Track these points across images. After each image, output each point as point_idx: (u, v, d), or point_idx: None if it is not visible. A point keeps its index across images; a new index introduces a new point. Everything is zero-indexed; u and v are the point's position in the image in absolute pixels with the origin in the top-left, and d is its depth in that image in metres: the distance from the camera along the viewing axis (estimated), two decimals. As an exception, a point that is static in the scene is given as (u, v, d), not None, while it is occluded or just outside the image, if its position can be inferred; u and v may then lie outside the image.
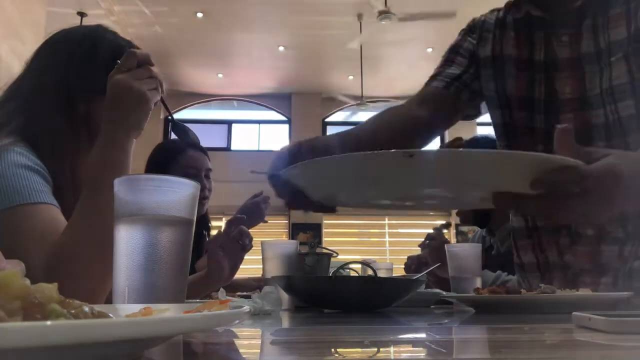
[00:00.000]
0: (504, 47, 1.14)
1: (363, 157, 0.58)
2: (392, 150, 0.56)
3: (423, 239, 1.85)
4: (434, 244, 1.76)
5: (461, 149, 0.60)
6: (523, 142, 1.11)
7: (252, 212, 1.65)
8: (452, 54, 1.21)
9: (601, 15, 1.01)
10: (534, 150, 1.06)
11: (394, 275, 1.72)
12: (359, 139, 1.05)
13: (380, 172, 0.59)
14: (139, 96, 0.88)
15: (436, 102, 1.17)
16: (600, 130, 1.02)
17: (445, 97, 1.17)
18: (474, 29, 1.21)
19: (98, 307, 0.32)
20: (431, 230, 1.79)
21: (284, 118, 8.44)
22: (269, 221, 1.90)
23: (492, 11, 1.21)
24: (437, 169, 0.58)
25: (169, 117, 1.07)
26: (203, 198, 1.78)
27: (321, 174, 0.64)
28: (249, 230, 1.38)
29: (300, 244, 1.32)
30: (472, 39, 1.19)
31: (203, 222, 1.84)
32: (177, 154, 1.82)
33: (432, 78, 1.20)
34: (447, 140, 7.83)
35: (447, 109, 1.20)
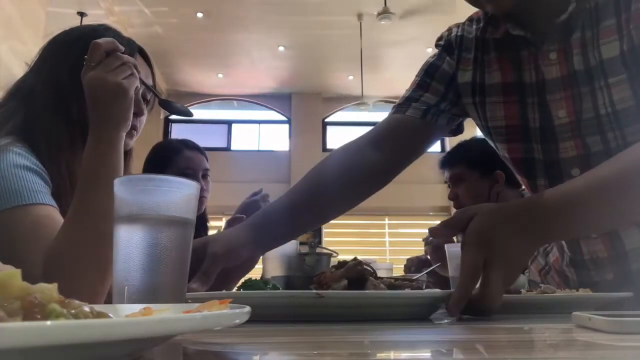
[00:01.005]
0: (487, 74, 1.02)
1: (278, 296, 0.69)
2: (304, 291, 0.67)
3: (427, 235, 1.84)
4: (436, 241, 1.75)
5: (365, 292, 0.70)
6: (524, 175, 1.04)
7: (250, 211, 1.65)
8: (427, 78, 1.09)
9: (590, 28, 0.90)
10: (535, 184, 1.02)
11: (394, 275, 1.72)
12: (294, 210, 1.01)
13: (297, 310, 0.66)
14: (116, 88, 0.85)
15: (408, 134, 1.08)
16: (602, 158, 0.90)
17: (420, 127, 1.06)
18: (451, 47, 1.08)
19: (98, 307, 0.32)
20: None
21: (284, 118, 8.44)
22: None
23: (471, 21, 1.08)
24: (345, 307, 0.66)
25: (157, 96, 1.06)
26: (200, 198, 1.77)
27: None
28: None
29: (300, 243, 1.32)
30: (451, 59, 1.07)
31: (201, 222, 1.84)
32: (174, 154, 1.82)
33: (405, 105, 1.08)
34: (447, 142, 7.84)
35: (421, 138, 1.10)
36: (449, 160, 1.98)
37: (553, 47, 0.94)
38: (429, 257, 1.83)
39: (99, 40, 0.87)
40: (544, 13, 0.94)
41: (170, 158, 1.81)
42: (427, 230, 1.92)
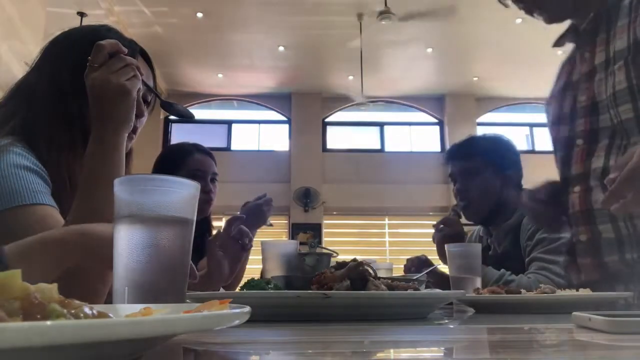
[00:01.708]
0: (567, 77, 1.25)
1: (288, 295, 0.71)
2: (311, 292, 0.71)
3: (439, 221, 1.73)
4: (447, 231, 1.67)
5: (370, 292, 0.72)
6: (558, 149, 1.24)
7: (254, 214, 1.65)
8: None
9: (613, 28, 1.10)
10: (558, 156, 1.23)
11: (393, 275, 1.71)
12: None
13: (301, 310, 0.68)
14: (119, 89, 0.86)
15: None
16: (606, 132, 1.10)
17: None
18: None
19: (98, 307, 0.32)
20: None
21: (284, 118, 8.44)
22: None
23: None
24: (349, 307, 0.68)
25: (158, 98, 1.06)
26: (207, 201, 1.78)
27: None
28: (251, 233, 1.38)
29: (300, 244, 1.32)
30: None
31: (205, 224, 1.84)
32: (186, 155, 1.83)
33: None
34: (447, 142, 7.86)
35: None
36: (462, 152, 1.84)
37: (587, 48, 1.16)
38: (435, 243, 1.73)
39: (102, 42, 0.87)
40: (574, 21, 1.18)
41: (182, 159, 1.83)
42: (425, 231, 1.86)
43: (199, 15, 6.07)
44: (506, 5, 1.21)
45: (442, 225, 1.70)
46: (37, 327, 0.22)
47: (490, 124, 8.25)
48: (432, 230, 1.72)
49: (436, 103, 8.40)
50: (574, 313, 0.53)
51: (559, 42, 1.25)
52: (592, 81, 1.12)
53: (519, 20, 5.35)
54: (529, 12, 1.19)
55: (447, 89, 8.06)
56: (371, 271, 0.77)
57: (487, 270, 1.54)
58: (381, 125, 8.48)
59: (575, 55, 1.23)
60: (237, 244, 1.35)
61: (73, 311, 0.28)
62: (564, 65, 1.30)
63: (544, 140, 8.46)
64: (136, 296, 0.55)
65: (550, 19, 1.19)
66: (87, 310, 0.29)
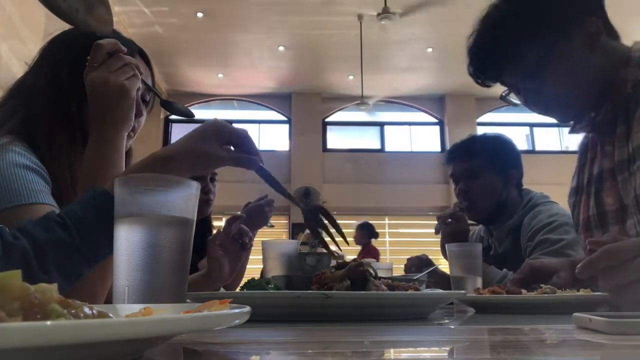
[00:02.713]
0: (586, 173, 1.18)
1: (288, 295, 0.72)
2: (311, 292, 0.71)
3: (446, 213, 1.70)
4: (455, 227, 1.64)
5: (369, 292, 0.72)
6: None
7: (255, 215, 1.65)
8: None
9: (631, 120, 1.00)
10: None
11: (393, 275, 1.71)
12: None
13: (301, 310, 0.68)
14: (118, 89, 0.86)
15: None
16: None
17: None
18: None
19: (98, 307, 0.32)
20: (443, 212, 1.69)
21: (284, 118, 8.44)
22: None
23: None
24: (349, 307, 0.68)
25: (158, 97, 1.06)
26: (207, 201, 1.78)
27: None
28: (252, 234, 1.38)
29: (301, 243, 1.32)
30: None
31: (205, 224, 1.84)
32: None
33: None
34: (447, 142, 7.86)
35: None
36: (464, 152, 1.79)
37: (607, 139, 1.07)
38: (438, 234, 1.70)
39: (101, 41, 0.87)
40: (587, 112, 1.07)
41: None
42: (426, 231, 1.83)
43: (199, 15, 6.07)
44: (515, 105, 1.16)
45: (450, 220, 1.65)
46: (37, 327, 0.22)
47: (490, 124, 8.25)
48: (433, 231, 1.71)
49: (436, 103, 8.40)
50: (574, 314, 0.53)
51: (574, 130, 1.14)
52: (616, 181, 1.03)
53: (519, 20, 5.34)
54: (544, 115, 1.13)
55: (447, 89, 8.06)
56: (371, 271, 0.77)
57: (490, 269, 1.54)
58: (381, 125, 8.48)
59: (592, 141, 1.13)
60: (237, 244, 1.35)
61: (73, 311, 0.28)
62: (582, 151, 1.20)
63: (544, 140, 8.50)
64: (136, 296, 0.55)
65: (564, 120, 1.12)
66: (87, 310, 0.29)
